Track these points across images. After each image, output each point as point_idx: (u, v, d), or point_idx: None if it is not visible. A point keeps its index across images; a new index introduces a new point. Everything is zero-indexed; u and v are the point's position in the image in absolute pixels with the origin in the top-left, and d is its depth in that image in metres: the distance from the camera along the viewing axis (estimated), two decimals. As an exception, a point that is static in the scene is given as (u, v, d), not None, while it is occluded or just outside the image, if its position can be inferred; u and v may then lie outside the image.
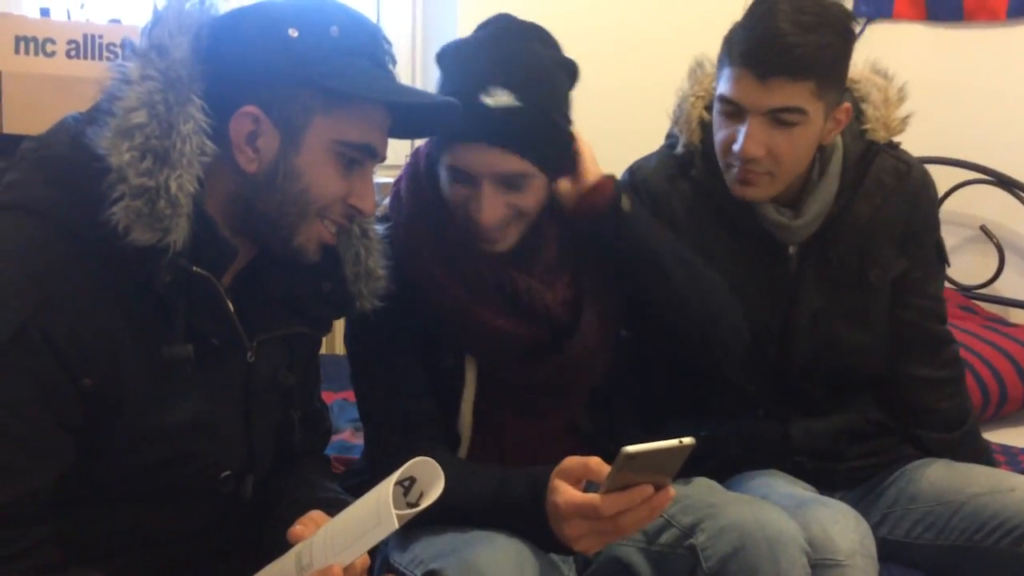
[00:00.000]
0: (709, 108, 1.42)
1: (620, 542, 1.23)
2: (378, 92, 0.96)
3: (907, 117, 1.43)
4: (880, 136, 1.43)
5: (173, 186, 0.87)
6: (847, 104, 1.36)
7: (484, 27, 1.20)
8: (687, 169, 1.45)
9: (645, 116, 1.63)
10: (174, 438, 0.94)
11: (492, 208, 1.15)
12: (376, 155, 1.00)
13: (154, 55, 0.90)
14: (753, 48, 1.27)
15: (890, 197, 1.45)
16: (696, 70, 1.48)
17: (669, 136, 1.52)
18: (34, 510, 0.87)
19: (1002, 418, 2.12)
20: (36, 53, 1.64)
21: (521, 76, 1.13)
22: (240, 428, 1.03)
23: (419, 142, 1.29)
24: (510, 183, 1.15)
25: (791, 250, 1.44)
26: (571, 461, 1.03)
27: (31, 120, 1.58)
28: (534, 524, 1.05)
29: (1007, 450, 1.90)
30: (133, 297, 0.90)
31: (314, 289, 1.06)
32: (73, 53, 1.70)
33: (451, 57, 1.18)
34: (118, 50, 1.63)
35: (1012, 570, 1.32)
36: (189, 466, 0.97)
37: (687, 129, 1.45)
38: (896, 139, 1.46)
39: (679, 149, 1.46)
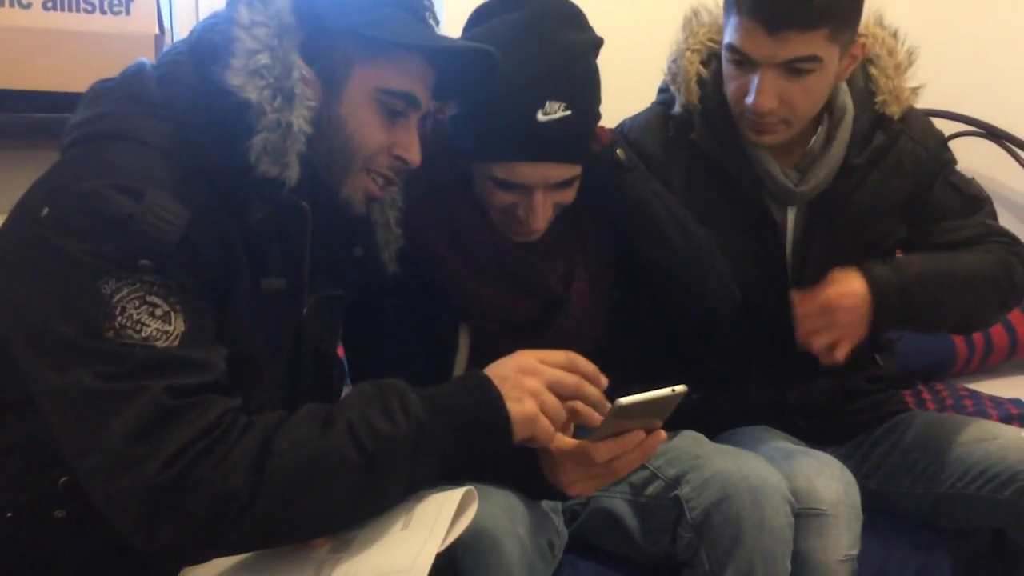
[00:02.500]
0: (705, 63, 1.37)
1: (607, 494, 1.25)
2: (415, 38, 0.98)
3: (917, 88, 1.39)
4: (892, 111, 1.38)
5: (295, 124, 0.92)
6: (863, 39, 1.31)
7: (515, 8, 1.14)
8: (686, 131, 1.39)
9: (635, 68, 1.55)
10: (238, 370, 0.95)
11: (544, 212, 1.15)
12: (418, 105, 1.02)
13: (258, 3, 0.93)
14: (762, 1, 1.21)
15: (906, 179, 1.41)
16: (691, 19, 1.41)
17: (662, 91, 1.46)
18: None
19: (988, 369, 2.15)
20: (12, 5, 1.59)
21: (572, 83, 1.12)
22: (286, 380, 1.05)
23: None
24: (560, 186, 1.15)
25: (790, 216, 1.41)
26: None
27: (7, 73, 1.55)
28: (527, 472, 1.06)
29: (992, 399, 1.92)
30: (232, 230, 0.93)
31: (347, 254, 1.09)
32: (50, 5, 1.65)
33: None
34: (95, 1, 1.60)
35: (993, 516, 1.35)
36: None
37: (685, 88, 1.38)
38: None
39: (676, 109, 1.40)
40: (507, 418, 0.92)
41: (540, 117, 1.09)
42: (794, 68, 1.24)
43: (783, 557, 1.13)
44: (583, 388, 0.97)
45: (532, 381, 0.94)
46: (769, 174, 1.37)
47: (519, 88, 1.09)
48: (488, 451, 0.93)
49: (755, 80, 1.26)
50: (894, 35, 1.41)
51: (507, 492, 1.08)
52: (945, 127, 2.35)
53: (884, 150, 1.39)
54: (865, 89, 1.39)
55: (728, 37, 1.28)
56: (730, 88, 1.32)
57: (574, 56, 1.13)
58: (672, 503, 1.16)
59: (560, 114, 1.10)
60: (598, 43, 1.17)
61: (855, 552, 1.22)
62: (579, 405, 0.99)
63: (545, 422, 0.94)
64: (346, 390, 1.24)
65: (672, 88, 1.41)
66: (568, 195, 1.18)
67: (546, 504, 1.18)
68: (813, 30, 1.21)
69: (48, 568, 0.94)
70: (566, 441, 1.01)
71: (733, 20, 1.26)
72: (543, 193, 1.14)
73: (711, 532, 1.12)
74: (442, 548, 0.86)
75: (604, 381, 0.99)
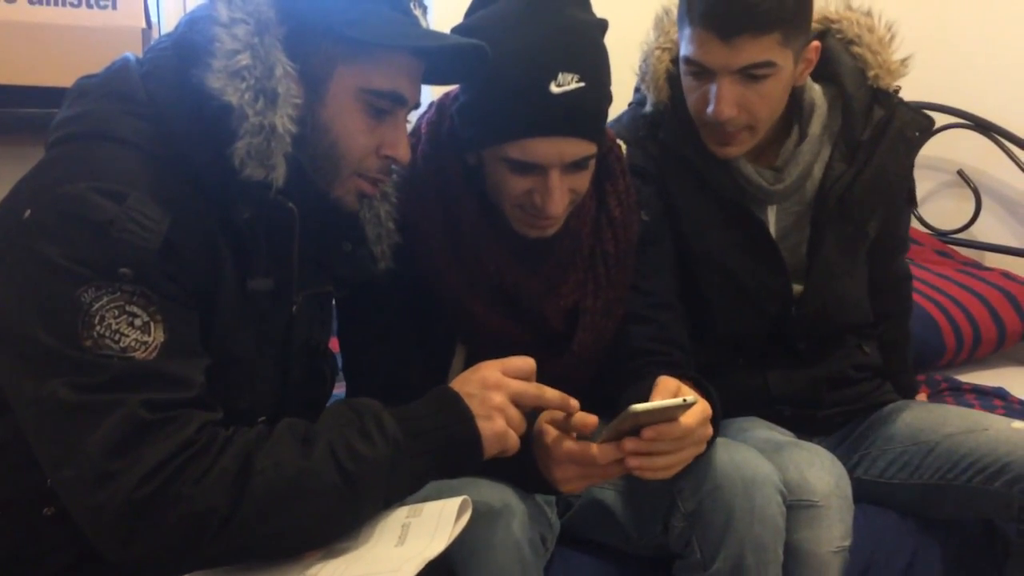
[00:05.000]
0: (676, 60, 1.37)
1: (600, 485, 1.25)
2: (396, 38, 0.96)
3: (906, 59, 1.39)
4: (886, 83, 1.38)
5: (279, 125, 0.90)
6: (816, 43, 1.32)
7: None
8: (655, 131, 1.39)
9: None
10: (225, 371, 0.95)
11: (561, 196, 1.12)
12: (404, 102, 1.00)
13: None
14: (713, 9, 1.21)
15: (912, 151, 1.42)
16: (663, 18, 1.41)
17: (636, 90, 1.46)
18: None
19: (976, 360, 2.15)
20: (-4, -1, 1.59)
21: (583, 56, 1.10)
22: (276, 378, 1.04)
23: (444, 90, 1.24)
24: (575, 167, 1.13)
25: (770, 213, 1.41)
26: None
27: (-6, 68, 1.55)
28: (521, 466, 1.06)
29: (976, 390, 1.93)
30: (217, 230, 0.92)
31: (336, 250, 1.08)
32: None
33: (499, 42, 1.07)
34: (81, -5, 1.59)
35: (982, 506, 1.35)
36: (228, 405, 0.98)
37: (654, 87, 1.38)
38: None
39: (648, 108, 1.40)
40: (479, 437, 0.93)
41: (553, 89, 1.07)
42: (750, 75, 1.25)
43: (774, 546, 1.13)
44: (544, 396, 0.99)
45: (498, 397, 0.95)
46: (743, 175, 1.37)
47: (529, 62, 1.07)
48: (461, 468, 0.95)
49: (713, 89, 1.26)
50: (868, 14, 1.41)
51: (500, 486, 1.08)
52: (934, 119, 2.38)
53: (886, 123, 1.39)
54: (855, 68, 1.39)
55: (684, 49, 1.29)
56: (691, 100, 1.32)
57: (583, 31, 1.11)
58: (664, 493, 1.16)
59: (573, 86, 1.07)
60: (604, 25, 1.16)
61: (847, 543, 1.22)
62: (577, 418, 1.01)
63: (513, 436, 0.96)
64: (339, 386, 1.24)
65: (643, 87, 1.42)
66: (583, 180, 1.16)
67: (539, 497, 1.18)
68: (765, 35, 1.22)
69: (37, 565, 0.93)
70: (568, 442, 1.02)
71: (687, 31, 1.27)
72: (559, 174, 1.11)
73: (703, 520, 1.12)
74: (434, 555, 0.86)
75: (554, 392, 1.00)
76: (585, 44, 1.11)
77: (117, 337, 0.82)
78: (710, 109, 1.27)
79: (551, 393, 0.99)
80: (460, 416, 0.93)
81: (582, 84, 1.08)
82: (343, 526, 0.91)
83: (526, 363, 1.00)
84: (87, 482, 0.80)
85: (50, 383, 0.81)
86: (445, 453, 0.93)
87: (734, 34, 1.21)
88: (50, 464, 0.83)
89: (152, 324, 0.84)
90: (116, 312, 0.83)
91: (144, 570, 0.85)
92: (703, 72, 1.27)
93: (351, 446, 0.88)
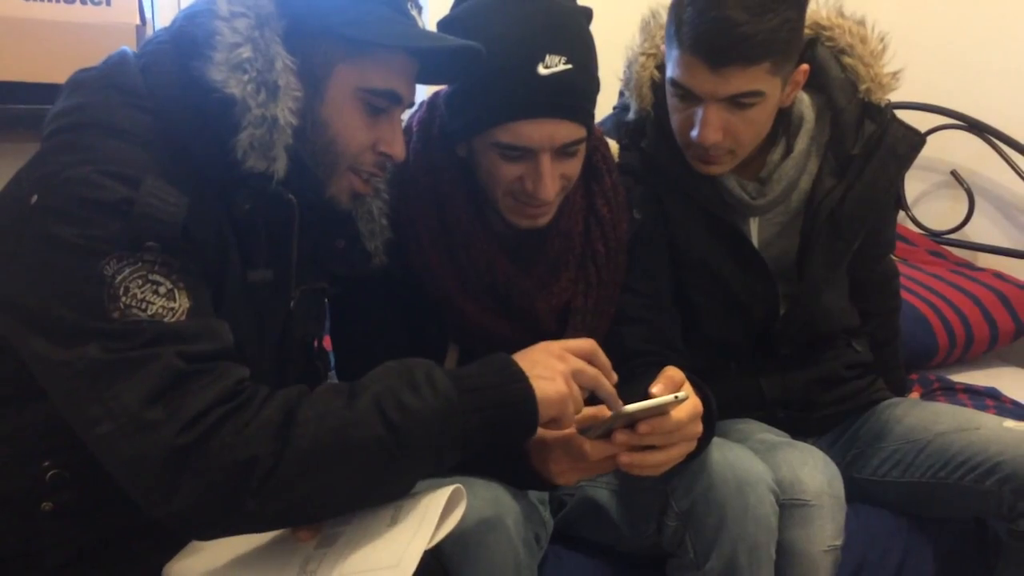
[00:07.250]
0: (661, 67, 1.35)
1: (594, 484, 1.26)
2: (396, 38, 0.97)
3: (898, 72, 1.37)
4: (877, 97, 1.36)
5: (280, 117, 0.91)
6: (804, 66, 1.30)
7: None
8: (637, 140, 1.38)
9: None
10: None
11: (552, 181, 1.12)
12: (401, 101, 1.01)
13: None
14: (703, 37, 1.19)
15: (902, 167, 1.42)
16: (650, 22, 1.39)
17: (620, 95, 1.45)
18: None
19: (969, 361, 2.16)
20: (-10, -6, 1.58)
21: (569, 38, 1.10)
22: (274, 373, 1.04)
23: (434, 89, 1.24)
24: (565, 152, 1.13)
25: (753, 225, 1.40)
26: None
27: (-7, 63, 1.54)
28: (515, 461, 1.06)
29: (968, 390, 1.93)
30: (223, 221, 0.93)
31: (330, 246, 1.08)
32: (37, -6, 1.64)
33: (485, 27, 1.09)
34: (82, -8, 1.59)
35: (974, 505, 1.36)
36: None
37: (638, 95, 1.36)
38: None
39: (631, 116, 1.39)
40: (534, 397, 0.90)
41: (541, 71, 1.07)
42: (738, 102, 1.23)
43: (767, 545, 1.13)
44: (599, 381, 0.97)
45: (561, 364, 0.94)
46: (725, 187, 1.36)
47: (517, 45, 1.08)
48: (513, 431, 0.92)
49: (699, 113, 1.25)
50: (861, 23, 1.39)
51: (494, 484, 1.08)
52: (928, 120, 2.39)
53: (878, 138, 1.38)
54: (846, 80, 1.38)
55: (670, 71, 1.27)
56: (675, 120, 1.31)
57: (568, 16, 1.12)
58: (658, 492, 1.16)
59: (561, 67, 1.08)
60: (588, 12, 1.16)
61: (839, 542, 1.23)
62: (586, 414, 1.00)
63: (570, 407, 0.94)
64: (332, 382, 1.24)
65: (626, 93, 1.40)
66: (574, 166, 1.16)
67: (533, 495, 1.19)
68: (755, 65, 1.20)
69: (35, 560, 0.93)
70: (560, 432, 1.02)
71: (675, 54, 1.24)
72: (550, 158, 1.11)
73: (696, 520, 1.12)
74: (430, 545, 0.86)
75: (615, 377, 1.00)
76: (571, 27, 1.12)
77: (144, 305, 0.82)
78: (694, 133, 1.26)
79: (605, 381, 0.97)
80: (515, 375, 0.91)
81: (570, 66, 1.08)
82: (390, 483, 0.89)
83: (587, 343, 0.98)
84: (126, 433, 0.79)
85: (81, 348, 0.80)
86: (499, 409, 0.90)
87: (723, 64, 1.19)
88: (85, 424, 0.81)
89: (176, 291, 0.84)
90: (140, 282, 0.82)
91: (187, 529, 0.84)
92: (689, 96, 1.25)
93: (399, 398, 0.86)
